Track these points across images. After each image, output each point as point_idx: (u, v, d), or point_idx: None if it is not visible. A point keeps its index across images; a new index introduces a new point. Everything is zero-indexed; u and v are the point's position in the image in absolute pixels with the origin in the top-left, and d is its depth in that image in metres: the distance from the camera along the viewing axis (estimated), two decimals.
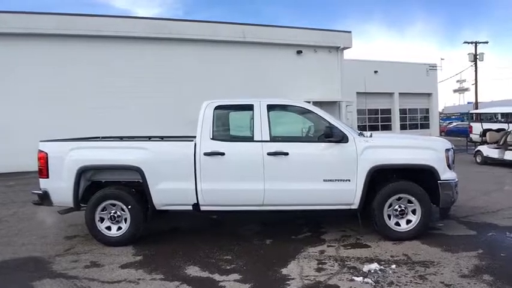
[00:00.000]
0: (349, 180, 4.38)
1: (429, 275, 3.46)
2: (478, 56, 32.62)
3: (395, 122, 27.32)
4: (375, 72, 26.23)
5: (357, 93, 23.98)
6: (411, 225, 4.42)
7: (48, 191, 4.60)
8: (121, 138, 5.32)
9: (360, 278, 3.42)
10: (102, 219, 4.59)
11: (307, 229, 5.07)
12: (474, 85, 32.85)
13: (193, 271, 3.75)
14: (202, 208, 4.53)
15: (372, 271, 3.58)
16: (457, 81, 68.15)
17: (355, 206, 4.44)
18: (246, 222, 5.49)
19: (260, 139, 4.48)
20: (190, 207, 4.54)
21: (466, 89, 68.96)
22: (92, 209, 4.54)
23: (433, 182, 4.38)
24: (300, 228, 5.11)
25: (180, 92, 14.57)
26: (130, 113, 13.63)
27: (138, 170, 4.44)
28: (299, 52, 16.68)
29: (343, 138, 4.39)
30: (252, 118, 4.60)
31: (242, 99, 4.87)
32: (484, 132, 11.09)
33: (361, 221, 4.99)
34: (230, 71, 15.31)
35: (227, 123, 4.91)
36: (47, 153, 4.58)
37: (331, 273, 3.59)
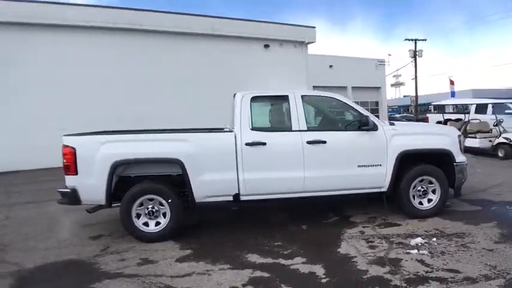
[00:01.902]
0: (381, 165, 4.84)
1: (469, 243, 4.03)
2: (417, 53, 36.00)
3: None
4: (330, 66, 27.59)
5: (314, 87, 25.01)
6: (432, 204, 5.01)
7: (77, 189, 4.42)
8: (145, 132, 5.22)
9: (415, 251, 3.87)
10: (138, 216, 4.53)
11: (332, 214, 5.44)
12: (414, 80, 36.13)
13: (256, 258, 3.92)
14: (243, 198, 4.68)
15: (419, 244, 4.06)
16: (394, 76, 73.89)
17: (385, 189, 4.91)
18: (267, 211, 5.73)
19: (298, 129, 4.74)
20: (231, 198, 4.67)
21: (402, 83, 75.15)
22: (128, 205, 4.46)
23: (449, 164, 5.00)
24: (324, 213, 5.47)
25: (151, 85, 14.15)
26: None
27: (178, 163, 4.45)
28: (266, 46, 17.01)
29: (374, 127, 4.82)
30: (288, 108, 4.83)
31: (270, 90, 5.08)
32: (445, 122, 12.43)
33: (377, 203, 5.45)
34: (199, 64, 15.19)
35: (264, 113, 5.08)
36: (74, 148, 4.38)
37: (385, 249, 4.00)
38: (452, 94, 31.13)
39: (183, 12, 15.20)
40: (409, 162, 4.96)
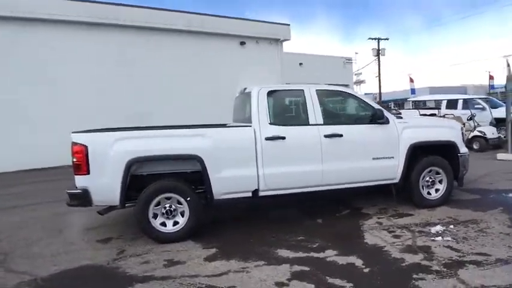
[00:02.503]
0: (393, 157, 5.00)
1: (485, 229, 4.28)
2: (380, 51, 37.60)
3: None
4: (300, 64, 28.06)
5: (286, 84, 25.38)
6: (440, 194, 5.26)
7: (89, 189, 4.17)
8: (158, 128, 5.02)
9: (439, 238, 4.05)
10: (155, 215, 4.36)
11: (342, 207, 5.55)
12: (378, 77, 37.66)
13: (286, 253, 3.91)
14: (261, 194, 4.65)
15: (440, 232, 4.25)
16: (355, 74, 76.60)
17: (396, 180, 5.08)
18: (276, 206, 5.74)
19: (315, 122, 4.79)
20: (250, 194, 4.62)
21: (363, 81, 78.09)
22: (145, 204, 4.28)
23: (454, 155, 5.28)
24: (334, 207, 5.57)
25: (127, 81, 13.65)
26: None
27: (197, 159, 4.34)
28: (242, 43, 16.96)
29: (386, 120, 4.97)
30: (304, 103, 4.86)
31: (286, 85, 5.08)
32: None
33: (382, 194, 5.64)
34: (177, 61, 14.86)
35: (280, 108, 5.06)
36: (86, 146, 4.13)
37: (410, 238, 4.14)
38: (413, 91, 32.81)
39: (160, 8, 14.83)
40: (418, 154, 5.17)
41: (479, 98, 13.97)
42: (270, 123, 4.64)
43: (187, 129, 4.50)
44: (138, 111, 13.10)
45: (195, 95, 15.13)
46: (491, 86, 35.27)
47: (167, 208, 4.37)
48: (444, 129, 5.42)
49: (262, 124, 4.60)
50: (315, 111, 4.81)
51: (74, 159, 4.19)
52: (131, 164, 4.20)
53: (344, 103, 5.42)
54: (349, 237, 4.31)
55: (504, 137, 10.91)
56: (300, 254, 3.86)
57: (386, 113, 5.02)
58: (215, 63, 15.98)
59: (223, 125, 5.03)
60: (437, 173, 5.24)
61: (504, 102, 13.30)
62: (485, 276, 3.16)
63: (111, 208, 4.53)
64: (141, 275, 3.57)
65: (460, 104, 13.66)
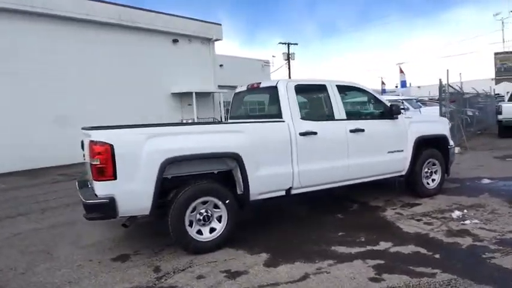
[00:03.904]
0: (403, 151, 5.37)
1: (495, 211, 4.89)
2: (290, 55, 40.05)
3: None
4: (220, 66, 28.01)
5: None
6: (436, 183, 5.83)
7: (115, 198, 3.53)
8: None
9: (468, 221, 4.48)
10: (190, 223, 3.90)
11: (348, 202, 5.72)
12: None
13: (344, 250, 3.87)
14: (294, 192, 4.53)
15: (461, 216, 4.70)
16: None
17: (404, 172, 5.47)
18: (286, 205, 5.66)
19: (340, 117, 4.86)
20: (283, 193, 4.47)
21: None
22: (181, 211, 3.81)
23: (445, 148, 5.89)
24: (340, 201, 5.71)
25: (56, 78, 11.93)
26: None
27: (235, 157, 4.02)
28: (175, 41, 16.25)
29: (397, 115, 5.32)
30: (328, 97, 4.90)
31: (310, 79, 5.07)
32: None
33: (377, 187, 6.01)
34: (106, 55, 13.51)
35: (307, 102, 4.98)
36: (111, 145, 3.49)
37: (441, 224, 4.49)
38: (403, 84, 35.31)
39: None
40: (420, 147, 5.63)
41: (405, 100, 15.81)
42: (301, 118, 4.56)
43: (224, 125, 4.15)
44: (60, 114, 11.63)
45: (128, 94, 13.99)
46: (384, 90, 40.35)
47: (204, 214, 3.95)
48: (439, 123, 6.04)
49: (294, 119, 4.49)
50: (338, 106, 4.88)
51: (95, 162, 3.50)
52: (166, 165, 3.69)
53: (359, 99, 5.63)
54: (386, 228, 4.48)
55: None
56: (359, 249, 3.87)
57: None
58: (149, 61, 15.05)
59: (256, 121, 4.71)
60: (433, 164, 5.79)
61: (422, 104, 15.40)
62: None
63: (133, 218, 3.91)
64: None
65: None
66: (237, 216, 4.13)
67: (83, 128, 4.11)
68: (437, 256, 3.59)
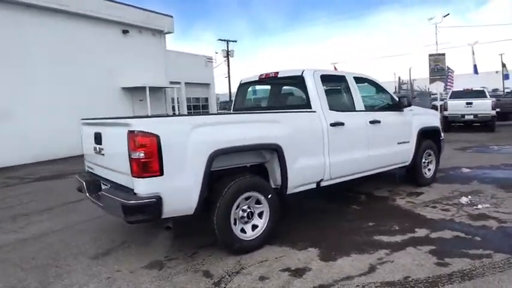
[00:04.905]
0: (409, 142, 5.62)
1: (494, 195, 5.34)
2: (229, 52, 40.16)
3: (183, 108, 29.15)
4: None
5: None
6: (431, 173, 6.21)
7: (162, 196, 3.18)
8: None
9: (481, 205, 4.84)
10: (235, 221, 3.66)
11: (354, 194, 5.85)
12: (227, 78, 40.09)
13: (389, 239, 3.94)
14: (323, 184, 4.50)
15: (469, 202, 5.05)
16: None
17: (408, 163, 5.74)
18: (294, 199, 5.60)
19: (360, 109, 4.93)
20: (314, 185, 4.41)
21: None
22: (228, 209, 3.56)
23: (438, 139, 6.30)
24: (345, 194, 5.81)
25: None
26: None
27: (276, 148, 3.87)
28: (125, 32, 15.20)
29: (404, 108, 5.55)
30: (348, 88, 4.94)
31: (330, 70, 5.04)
32: None
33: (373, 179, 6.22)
34: (51, 43, 12.18)
35: (331, 93, 4.92)
36: (158, 136, 3.13)
37: (457, 209, 4.79)
38: None
39: None
40: (421, 139, 5.94)
41: None
42: (330, 109, 4.53)
43: (261, 115, 3.94)
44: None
45: (73, 85, 12.80)
46: None
47: (247, 210, 3.74)
48: (433, 116, 6.44)
49: (324, 109, 4.45)
50: (358, 98, 4.95)
51: (139, 155, 3.10)
52: (214, 158, 3.40)
53: (370, 91, 5.74)
54: (410, 216, 4.65)
55: None
56: (402, 237, 3.96)
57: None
58: (97, 52, 13.90)
59: (291, 111, 4.53)
60: (429, 155, 6.16)
61: None
62: None
63: (170, 220, 3.56)
64: None
65: None
66: (278, 212, 3.96)
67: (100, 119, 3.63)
68: (478, 239, 3.82)
